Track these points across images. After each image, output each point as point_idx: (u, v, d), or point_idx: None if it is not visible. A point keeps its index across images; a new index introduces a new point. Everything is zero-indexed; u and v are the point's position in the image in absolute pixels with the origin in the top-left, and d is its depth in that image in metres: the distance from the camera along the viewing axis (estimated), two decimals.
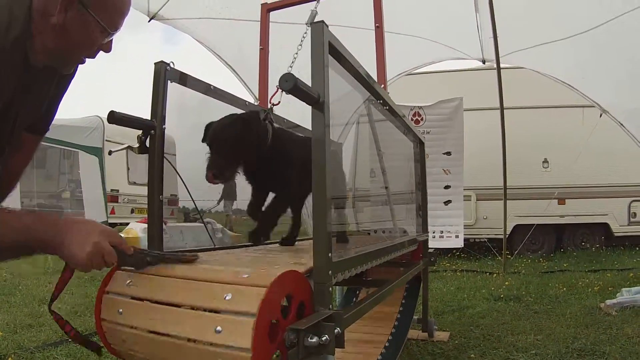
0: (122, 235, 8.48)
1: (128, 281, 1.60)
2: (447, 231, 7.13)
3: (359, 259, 1.87)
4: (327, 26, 1.54)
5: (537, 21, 5.99)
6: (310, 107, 1.50)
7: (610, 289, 5.72)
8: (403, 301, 3.79)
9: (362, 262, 1.91)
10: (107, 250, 1.42)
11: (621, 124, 6.80)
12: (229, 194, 5.40)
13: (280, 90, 2.53)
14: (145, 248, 1.73)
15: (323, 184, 1.46)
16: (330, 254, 1.47)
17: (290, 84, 1.33)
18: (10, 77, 1.36)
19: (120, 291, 1.60)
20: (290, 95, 2.37)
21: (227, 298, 1.33)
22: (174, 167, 2.15)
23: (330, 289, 1.49)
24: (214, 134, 1.96)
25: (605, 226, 9.38)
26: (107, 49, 1.53)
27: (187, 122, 2.74)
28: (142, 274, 1.60)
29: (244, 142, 1.95)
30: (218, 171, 1.89)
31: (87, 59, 1.53)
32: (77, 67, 1.62)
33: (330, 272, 1.48)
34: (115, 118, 1.78)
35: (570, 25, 5.77)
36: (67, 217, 1.45)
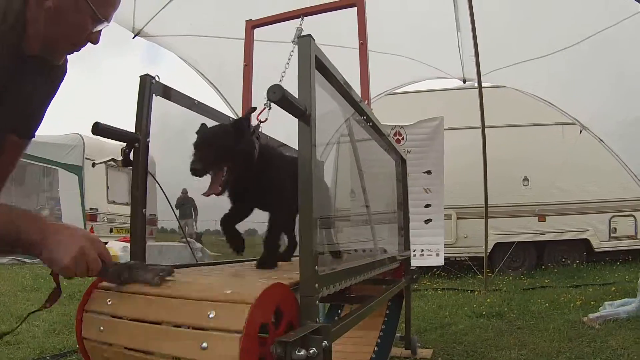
0: None
1: (108, 300, 1.56)
2: (427, 250, 7.13)
3: (345, 273, 1.86)
4: (314, 40, 1.55)
5: (517, 40, 6.09)
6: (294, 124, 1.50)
7: (592, 303, 5.76)
8: (385, 319, 3.77)
9: (348, 276, 1.90)
10: (92, 257, 1.40)
11: (601, 140, 6.92)
12: (184, 214, 5.37)
13: (266, 108, 2.55)
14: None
15: (309, 195, 1.46)
16: (316, 267, 1.47)
17: (278, 95, 1.33)
18: (3, 66, 1.36)
19: (100, 309, 1.57)
20: (273, 114, 2.40)
21: (210, 316, 1.31)
22: (157, 182, 2.13)
23: (317, 302, 1.48)
24: (201, 136, 1.96)
25: (585, 242, 9.48)
26: (95, 39, 1.53)
27: (170, 139, 2.73)
28: (122, 292, 1.57)
29: (231, 146, 1.94)
30: (201, 165, 1.86)
31: (74, 51, 1.53)
32: (66, 69, 1.63)
33: (316, 285, 1.47)
34: (99, 129, 1.76)
35: (550, 43, 5.88)
36: (53, 221, 1.42)
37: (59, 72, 1.63)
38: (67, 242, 1.35)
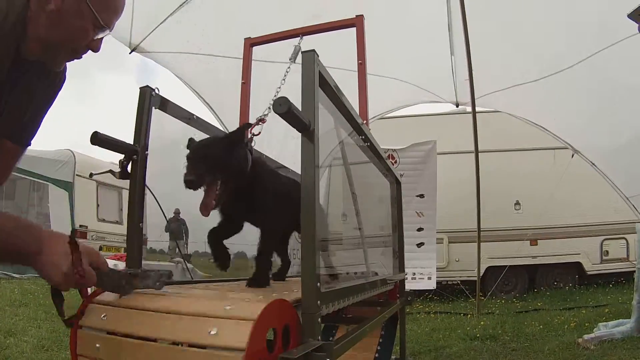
0: None
1: (103, 315, 1.51)
2: (419, 273, 7.11)
3: (345, 291, 1.83)
4: (318, 55, 1.54)
5: (509, 64, 6.15)
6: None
7: (586, 325, 5.75)
8: (380, 340, 3.72)
9: (348, 295, 1.87)
10: (86, 271, 1.36)
11: (592, 164, 6.97)
12: (177, 233, 5.28)
13: (260, 123, 2.55)
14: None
15: (312, 209, 1.44)
16: (318, 284, 1.44)
17: (284, 108, 1.31)
18: (3, 66, 1.34)
19: (95, 325, 1.51)
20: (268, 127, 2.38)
21: (212, 333, 1.27)
22: (153, 194, 2.10)
23: (319, 319, 1.45)
24: (195, 148, 1.93)
25: (577, 265, 9.49)
26: (96, 47, 1.51)
27: (160, 161, 2.71)
28: (118, 307, 1.52)
29: (225, 159, 1.90)
30: (195, 177, 1.81)
31: (75, 58, 1.52)
32: (65, 77, 1.61)
33: (319, 302, 1.44)
34: (98, 139, 1.74)
35: (541, 67, 5.93)
36: (47, 230, 1.37)
37: (57, 80, 1.61)
38: (58, 258, 1.31)
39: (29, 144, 1.63)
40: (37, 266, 1.30)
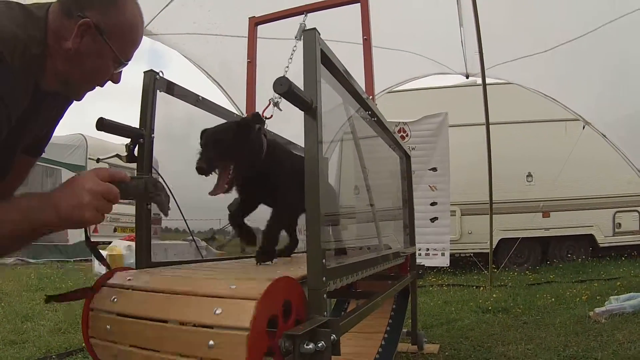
0: (106, 252, 8.40)
1: (113, 297, 1.55)
2: (433, 249, 7.10)
3: (351, 267, 1.86)
4: (319, 34, 1.54)
5: (519, 34, 6.06)
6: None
7: (598, 298, 5.73)
8: (392, 314, 3.76)
9: (354, 271, 1.89)
10: (104, 190, 1.31)
11: (604, 135, 6.91)
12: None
13: (272, 104, 2.56)
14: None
15: (316, 187, 1.45)
16: (324, 260, 1.46)
17: (284, 87, 1.32)
18: (23, 98, 1.32)
19: (106, 308, 1.55)
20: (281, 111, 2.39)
21: (217, 312, 1.29)
22: (162, 177, 2.11)
23: (325, 296, 1.47)
24: (207, 135, 1.96)
25: (590, 237, 9.43)
26: (117, 79, 1.50)
27: (173, 142, 2.73)
28: (126, 290, 1.56)
29: (237, 144, 1.93)
30: (206, 164, 1.85)
31: (95, 87, 1.50)
32: None
33: (324, 278, 1.46)
34: (103, 125, 1.75)
35: (551, 37, 5.85)
36: (50, 191, 1.33)
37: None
38: (73, 196, 1.27)
39: (43, 152, 1.66)
40: (60, 217, 1.26)
